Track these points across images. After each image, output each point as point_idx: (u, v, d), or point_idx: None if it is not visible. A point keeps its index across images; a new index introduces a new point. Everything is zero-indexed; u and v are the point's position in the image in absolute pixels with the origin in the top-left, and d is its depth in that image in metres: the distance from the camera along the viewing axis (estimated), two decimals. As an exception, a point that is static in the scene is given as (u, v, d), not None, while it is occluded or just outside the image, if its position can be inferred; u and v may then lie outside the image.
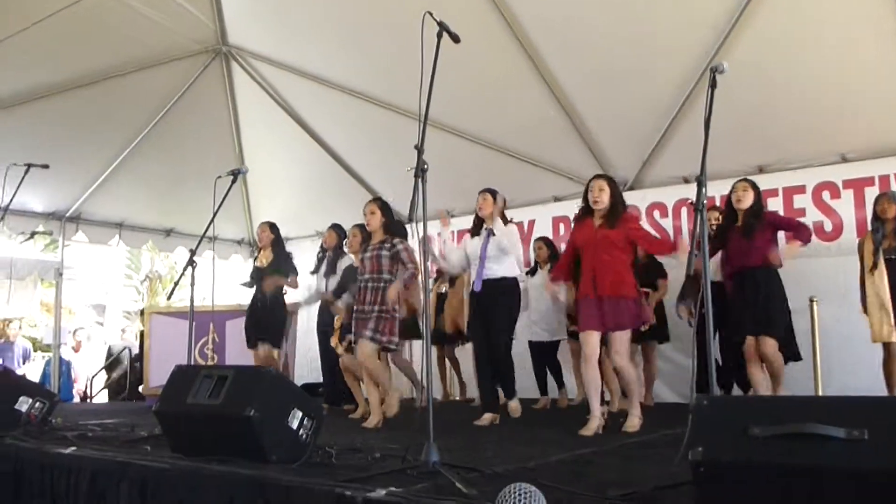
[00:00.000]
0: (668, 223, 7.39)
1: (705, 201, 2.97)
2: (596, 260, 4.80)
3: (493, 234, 5.53)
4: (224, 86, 8.51)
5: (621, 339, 4.75)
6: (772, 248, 5.23)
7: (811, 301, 6.22)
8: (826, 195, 6.62)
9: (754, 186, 5.36)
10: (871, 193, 6.31)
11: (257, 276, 6.86)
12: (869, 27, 5.63)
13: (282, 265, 6.81)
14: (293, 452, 3.42)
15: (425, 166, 3.17)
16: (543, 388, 7.13)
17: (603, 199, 4.85)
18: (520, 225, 7.23)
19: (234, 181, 5.14)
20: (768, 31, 5.85)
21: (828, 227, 6.57)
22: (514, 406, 5.78)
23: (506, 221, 5.69)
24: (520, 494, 2.29)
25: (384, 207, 5.57)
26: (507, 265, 5.57)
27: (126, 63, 7.59)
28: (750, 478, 2.16)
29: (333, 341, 6.40)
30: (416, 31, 3.29)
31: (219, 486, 3.08)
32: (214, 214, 5.27)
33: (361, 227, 5.97)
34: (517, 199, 8.08)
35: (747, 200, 5.27)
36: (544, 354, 7.04)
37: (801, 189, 6.74)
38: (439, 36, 3.35)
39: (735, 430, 2.19)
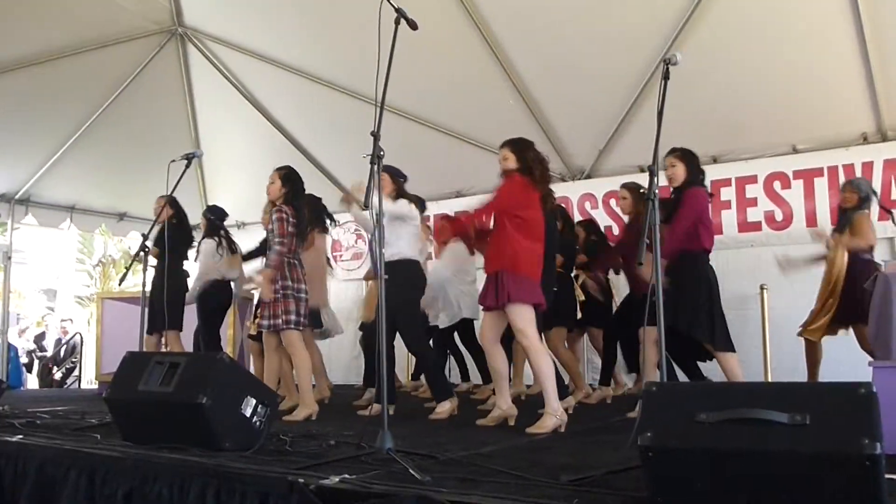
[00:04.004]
0: (623, 212, 7.47)
1: (657, 190, 3.01)
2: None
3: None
4: (179, 68, 8.37)
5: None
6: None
7: (761, 289, 6.37)
8: (777, 185, 6.75)
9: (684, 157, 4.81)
10: (820, 184, 6.49)
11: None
12: (822, 20, 5.74)
13: None
14: (247, 440, 3.40)
15: (381, 153, 3.15)
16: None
17: (507, 165, 4.53)
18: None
19: (188, 165, 5.04)
20: (722, 23, 5.95)
21: (778, 216, 6.71)
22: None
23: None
24: None
25: (285, 177, 5.19)
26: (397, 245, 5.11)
27: (79, 42, 7.44)
28: (697, 462, 2.20)
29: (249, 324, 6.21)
30: (376, 17, 3.27)
31: (170, 474, 3.04)
32: (168, 199, 5.19)
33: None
34: (476, 187, 8.14)
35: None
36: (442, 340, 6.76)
37: (752, 179, 6.87)
38: (397, 22, 3.33)
39: (683, 415, 2.23)
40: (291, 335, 5.04)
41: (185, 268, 6.70)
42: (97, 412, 4.88)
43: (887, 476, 2.09)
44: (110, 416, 3.89)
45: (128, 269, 5.24)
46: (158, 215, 6.11)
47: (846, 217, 5.43)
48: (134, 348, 4.26)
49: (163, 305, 5.98)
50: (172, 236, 6.18)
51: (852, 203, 5.42)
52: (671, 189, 4.82)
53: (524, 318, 4.30)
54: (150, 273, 6.07)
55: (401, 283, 4.92)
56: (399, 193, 5.25)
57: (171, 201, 6.23)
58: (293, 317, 5.01)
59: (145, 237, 4.99)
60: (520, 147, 4.53)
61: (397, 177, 5.32)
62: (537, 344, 4.38)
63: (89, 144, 8.55)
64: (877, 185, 6.36)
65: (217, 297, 6.64)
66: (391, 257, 4.90)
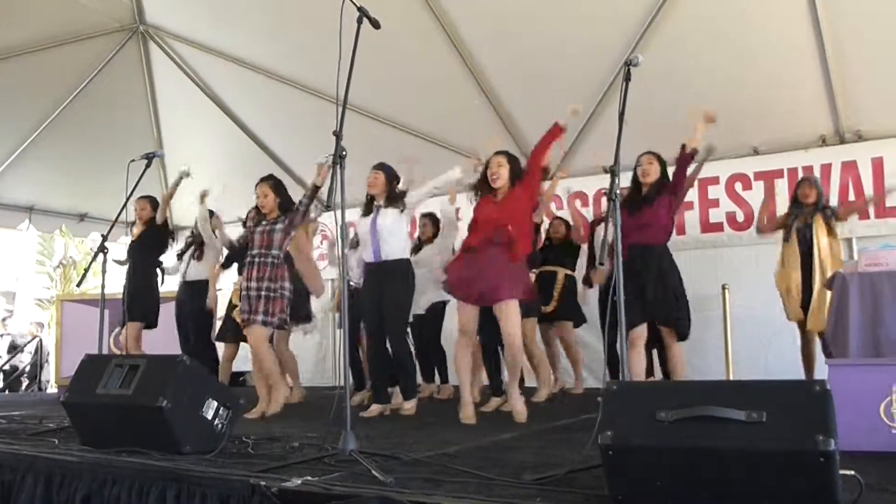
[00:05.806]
0: (588, 212, 7.51)
1: (618, 191, 3.03)
2: None
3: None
4: (141, 66, 8.25)
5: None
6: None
7: (723, 288, 6.45)
8: (738, 186, 6.86)
9: (660, 159, 5.02)
10: (781, 185, 6.58)
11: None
12: (782, 25, 5.83)
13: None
14: (208, 443, 3.36)
15: (344, 153, 3.14)
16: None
17: (502, 174, 4.74)
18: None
19: (148, 165, 5.00)
20: (685, 27, 6.02)
21: (740, 217, 6.81)
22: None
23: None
24: None
25: (276, 187, 5.34)
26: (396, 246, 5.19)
27: (37, 39, 7.29)
28: (657, 460, 2.23)
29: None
30: (338, 16, 3.25)
31: (129, 478, 3.00)
32: (127, 199, 5.14)
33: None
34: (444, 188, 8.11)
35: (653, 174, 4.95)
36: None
37: (714, 180, 6.95)
38: (359, 21, 3.32)
39: (643, 414, 2.25)
40: (260, 332, 5.09)
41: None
42: (56, 416, 4.79)
43: (841, 472, 2.13)
44: (69, 420, 3.83)
45: (86, 270, 5.15)
46: (142, 217, 6.37)
47: (825, 211, 5.51)
48: (94, 351, 4.19)
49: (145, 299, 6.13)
50: (156, 236, 6.43)
51: (812, 199, 5.54)
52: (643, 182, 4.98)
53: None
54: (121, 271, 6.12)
55: (392, 283, 5.08)
56: (389, 195, 5.26)
57: (152, 202, 6.45)
58: (276, 318, 5.12)
59: (104, 238, 4.92)
60: (512, 160, 4.86)
61: (392, 179, 5.33)
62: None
63: (49, 143, 8.39)
64: (835, 185, 6.50)
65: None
66: (384, 257, 5.10)
